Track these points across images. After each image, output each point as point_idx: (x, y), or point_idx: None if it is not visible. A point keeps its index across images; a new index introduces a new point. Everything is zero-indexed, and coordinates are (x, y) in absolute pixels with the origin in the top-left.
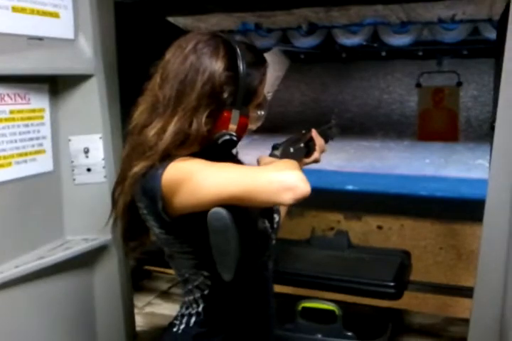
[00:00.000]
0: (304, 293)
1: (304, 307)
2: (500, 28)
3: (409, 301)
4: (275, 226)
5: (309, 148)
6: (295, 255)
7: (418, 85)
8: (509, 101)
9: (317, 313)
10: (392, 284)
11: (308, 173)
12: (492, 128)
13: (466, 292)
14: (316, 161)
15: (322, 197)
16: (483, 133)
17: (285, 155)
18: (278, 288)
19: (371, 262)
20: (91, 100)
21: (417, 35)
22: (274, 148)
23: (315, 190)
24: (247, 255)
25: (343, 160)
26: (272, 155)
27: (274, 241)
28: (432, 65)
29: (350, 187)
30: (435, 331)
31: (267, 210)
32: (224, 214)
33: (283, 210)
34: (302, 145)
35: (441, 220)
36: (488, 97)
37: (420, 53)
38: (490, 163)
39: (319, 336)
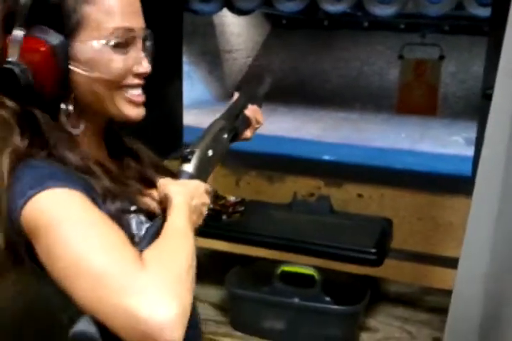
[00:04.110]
0: (284, 257)
1: (283, 271)
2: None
3: (386, 270)
4: None
5: (238, 129)
6: (276, 219)
7: (401, 57)
8: (508, 68)
9: (296, 278)
10: (373, 251)
11: (284, 141)
12: (485, 96)
13: (444, 262)
14: (247, 140)
15: (302, 164)
16: (460, 111)
17: (202, 167)
18: (258, 252)
19: (353, 228)
20: None
21: (402, 7)
22: (185, 159)
23: (294, 158)
24: None
25: (320, 130)
26: (181, 173)
27: None
28: (414, 38)
29: (326, 157)
30: (412, 300)
31: None
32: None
33: None
34: (226, 135)
35: (420, 191)
36: (466, 75)
37: (403, 26)
38: (477, 134)
39: (296, 300)
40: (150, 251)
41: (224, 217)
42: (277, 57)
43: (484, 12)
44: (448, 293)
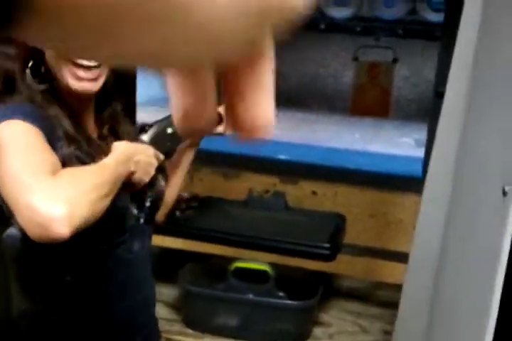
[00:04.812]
0: (237, 254)
1: (236, 268)
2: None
3: (338, 265)
4: (147, 206)
5: None
6: (231, 215)
7: (355, 59)
8: (461, 65)
9: (250, 274)
10: (327, 246)
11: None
12: (437, 94)
13: (395, 257)
14: (221, 134)
15: (258, 162)
16: (411, 113)
17: (159, 139)
18: (212, 249)
19: (307, 224)
20: None
21: (357, 10)
22: (143, 130)
23: (250, 156)
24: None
25: (276, 129)
26: (138, 140)
27: (142, 221)
28: (368, 41)
29: (282, 157)
30: (363, 295)
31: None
32: (16, 241)
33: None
34: None
35: (372, 190)
36: (418, 78)
37: (358, 29)
38: (428, 136)
39: (250, 296)
40: (67, 170)
41: (177, 213)
42: None
43: (436, 17)
44: (399, 287)
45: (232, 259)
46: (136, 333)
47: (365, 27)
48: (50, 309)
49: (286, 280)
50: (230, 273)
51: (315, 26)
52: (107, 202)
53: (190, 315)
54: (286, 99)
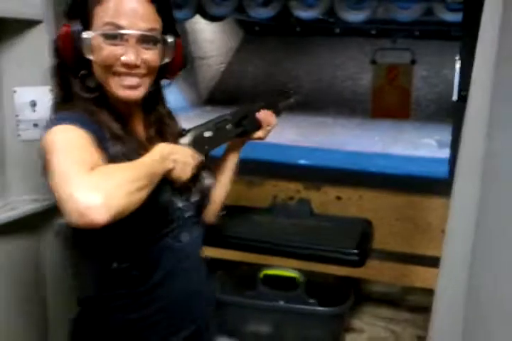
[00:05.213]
0: (266, 261)
1: (265, 275)
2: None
3: (367, 271)
4: (193, 200)
5: (246, 126)
6: (257, 223)
7: (373, 62)
8: (484, 67)
9: (279, 281)
10: (355, 251)
11: (261, 147)
12: (461, 98)
13: (424, 261)
14: (260, 139)
15: (281, 169)
16: (431, 113)
17: (197, 142)
18: (240, 256)
19: (334, 230)
20: (38, 48)
21: (372, 13)
22: (182, 135)
23: (272, 163)
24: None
25: (295, 135)
26: (178, 143)
27: (188, 214)
28: (385, 44)
29: (304, 162)
30: (394, 300)
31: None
32: (65, 229)
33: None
34: (229, 126)
35: (398, 193)
36: (436, 78)
37: (374, 32)
38: (452, 136)
39: (281, 303)
40: (106, 166)
41: None
42: (251, 63)
43: (453, 17)
44: (429, 291)
45: (261, 266)
46: (190, 322)
47: (380, 29)
48: (101, 295)
49: (316, 286)
50: (259, 281)
51: (330, 31)
52: (143, 195)
53: (221, 323)
54: (304, 103)
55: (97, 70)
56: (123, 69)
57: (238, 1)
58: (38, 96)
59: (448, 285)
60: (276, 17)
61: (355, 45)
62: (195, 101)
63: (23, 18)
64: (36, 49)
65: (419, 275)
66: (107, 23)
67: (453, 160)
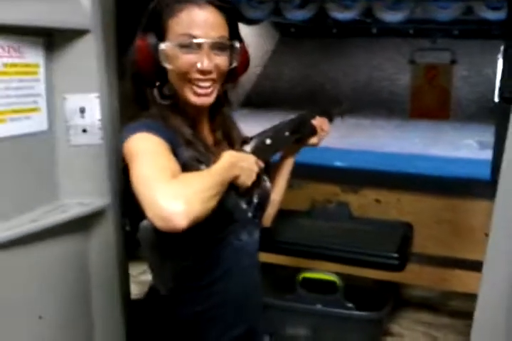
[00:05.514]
0: (305, 264)
1: (304, 278)
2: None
3: (406, 275)
4: (255, 202)
5: (302, 133)
6: (296, 226)
7: (412, 62)
8: None
9: (318, 284)
10: (395, 255)
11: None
12: (504, 99)
13: (465, 265)
14: (314, 145)
15: (318, 171)
16: (472, 113)
17: (259, 149)
18: (280, 260)
19: (373, 233)
20: (87, 57)
21: (410, 13)
22: (245, 142)
23: (310, 165)
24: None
25: (332, 137)
26: (241, 150)
27: (250, 214)
28: (423, 44)
29: (341, 164)
30: (434, 305)
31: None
32: (148, 232)
33: (281, 181)
34: (287, 133)
35: (438, 195)
36: (478, 78)
37: (412, 31)
38: (495, 138)
39: (319, 306)
40: (184, 174)
41: None
42: (287, 65)
43: (494, 15)
44: (470, 296)
45: (300, 270)
46: (243, 321)
47: (419, 29)
48: (174, 292)
49: (355, 290)
50: (298, 284)
51: (367, 31)
52: (216, 201)
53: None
54: (348, 100)
55: (173, 78)
56: (198, 75)
57: (275, 4)
58: (86, 103)
59: (491, 291)
60: (313, 19)
61: (392, 45)
62: (232, 103)
63: (73, 28)
64: (85, 57)
65: (460, 280)
66: (183, 34)
67: (496, 162)
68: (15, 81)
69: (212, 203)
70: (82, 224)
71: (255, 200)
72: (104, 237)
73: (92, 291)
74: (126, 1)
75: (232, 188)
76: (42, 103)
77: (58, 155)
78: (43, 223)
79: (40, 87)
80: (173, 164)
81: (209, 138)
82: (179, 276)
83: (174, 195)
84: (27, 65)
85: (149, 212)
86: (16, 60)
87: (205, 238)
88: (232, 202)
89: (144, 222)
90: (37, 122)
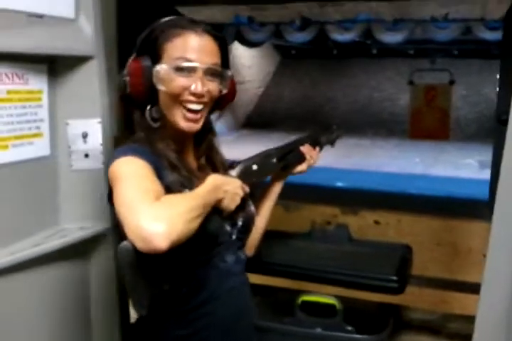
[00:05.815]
0: (303, 287)
1: (303, 301)
2: (508, 24)
3: (406, 297)
4: (239, 225)
5: (290, 161)
6: (295, 248)
7: (411, 83)
8: None
9: (317, 307)
10: (395, 278)
11: None
12: (500, 121)
13: (465, 287)
14: (301, 173)
15: (317, 192)
16: (472, 133)
17: (245, 174)
18: (278, 282)
19: (372, 256)
20: (90, 83)
21: (410, 33)
22: (232, 167)
23: (309, 186)
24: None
25: (333, 156)
26: (228, 175)
27: (234, 236)
28: (423, 64)
29: (340, 184)
30: (434, 327)
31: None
32: (128, 252)
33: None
34: (274, 160)
35: (437, 216)
36: (477, 97)
37: (411, 52)
38: (493, 157)
39: (319, 330)
40: (167, 196)
41: None
42: (288, 86)
43: (492, 36)
44: (470, 318)
45: (299, 292)
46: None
47: (418, 49)
48: (152, 315)
49: (354, 313)
50: (297, 307)
51: (367, 52)
52: (198, 223)
53: None
54: (340, 125)
55: (164, 100)
56: (190, 97)
57: (275, 27)
58: (89, 128)
59: (488, 313)
60: (313, 41)
61: (392, 65)
62: (233, 125)
63: (76, 55)
64: (88, 83)
65: (459, 302)
66: (178, 58)
67: (494, 182)
68: (18, 107)
69: (194, 225)
70: (82, 249)
71: (239, 223)
72: (105, 261)
73: (92, 315)
74: (128, 27)
75: (215, 211)
76: (45, 128)
77: (60, 180)
78: (44, 248)
79: (43, 113)
80: (156, 186)
81: (193, 163)
82: (158, 299)
83: (156, 216)
84: (30, 92)
85: (130, 233)
86: (20, 87)
87: (188, 260)
88: (216, 225)
89: (124, 242)
90: (39, 147)
